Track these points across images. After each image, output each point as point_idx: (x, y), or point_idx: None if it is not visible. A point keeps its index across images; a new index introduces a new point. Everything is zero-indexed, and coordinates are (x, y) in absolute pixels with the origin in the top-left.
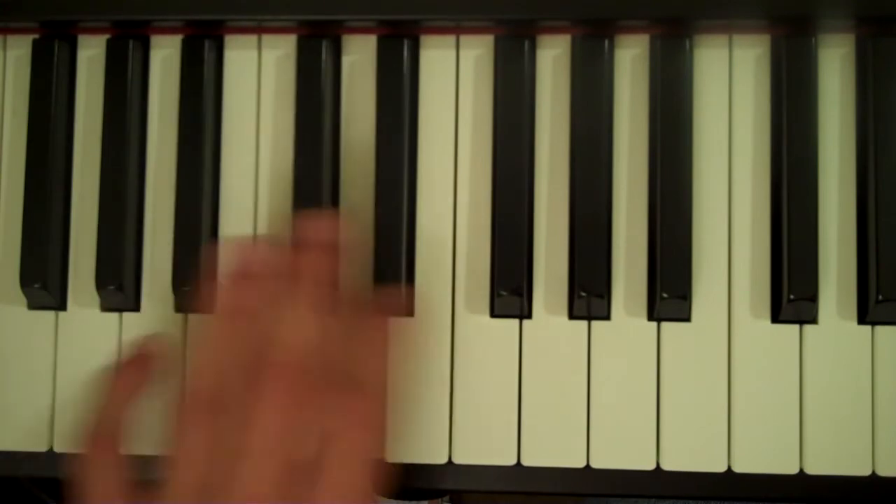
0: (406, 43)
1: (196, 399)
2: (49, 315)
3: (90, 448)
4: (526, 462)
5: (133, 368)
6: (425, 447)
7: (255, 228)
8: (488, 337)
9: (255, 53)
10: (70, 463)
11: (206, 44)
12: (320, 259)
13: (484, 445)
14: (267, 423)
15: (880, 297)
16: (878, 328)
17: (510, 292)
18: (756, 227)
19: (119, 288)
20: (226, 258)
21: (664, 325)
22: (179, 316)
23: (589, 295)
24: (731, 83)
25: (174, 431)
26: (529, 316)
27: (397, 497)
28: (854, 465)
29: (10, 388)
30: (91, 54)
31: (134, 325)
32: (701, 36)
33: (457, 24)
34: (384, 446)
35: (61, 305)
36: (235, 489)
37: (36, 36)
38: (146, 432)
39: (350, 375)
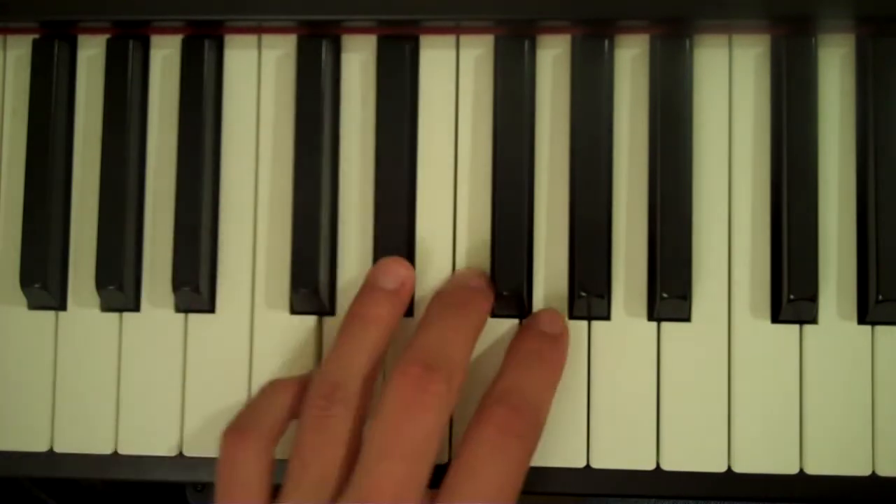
0: (406, 43)
1: (319, 388)
2: (49, 315)
3: (246, 442)
4: None
5: (289, 390)
6: None
7: (254, 229)
8: (489, 337)
9: (255, 53)
10: (222, 450)
11: (206, 44)
12: (483, 293)
13: None
14: (428, 422)
15: (880, 297)
16: (878, 328)
17: (510, 292)
18: (756, 227)
19: (119, 288)
20: (383, 269)
21: (664, 325)
22: (179, 316)
23: (589, 295)
24: (731, 83)
25: (299, 427)
26: None
27: None
28: (854, 465)
29: (10, 388)
30: (91, 54)
31: (134, 325)
32: (701, 36)
33: (457, 24)
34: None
35: (61, 305)
36: (366, 487)
37: (36, 36)
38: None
39: (514, 390)
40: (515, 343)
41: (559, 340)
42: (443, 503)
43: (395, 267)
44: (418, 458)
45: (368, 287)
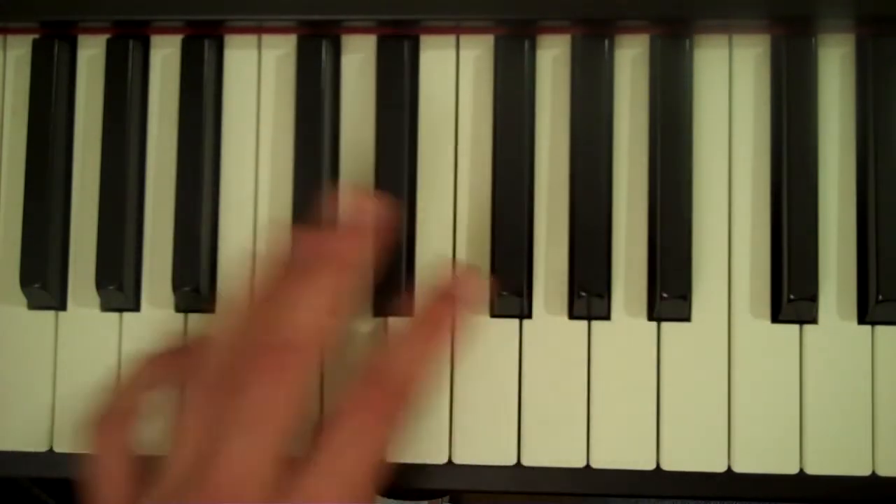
0: (406, 43)
1: (196, 379)
2: (49, 315)
3: (99, 431)
4: (526, 462)
5: (155, 362)
6: (425, 447)
7: (254, 228)
8: (488, 337)
9: (255, 53)
10: (81, 451)
11: (206, 44)
12: (348, 243)
13: (484, 445)
14: (258, 395)
15: (880, 297)
16: (878, 328)
17: (510, 292)
18: (756, 227)
19: (119, 288)
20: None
21: (664, 325)
22: (179, 316)
23: (589, 295)
24: (731, 83)
25: (177, 412)
26: (529, 316)
27: (397, 497)
28: (854, 465)
29: (10, 388)
30: (91, 54)
31: (134, 325)
32: (701, 36)
33: (457, 24)
34: (389, 446)
35: (61, 305)
36: (224, 464)
37: (36, 36)
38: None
39: (372, 366)
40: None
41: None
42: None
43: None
44: (261, 429)
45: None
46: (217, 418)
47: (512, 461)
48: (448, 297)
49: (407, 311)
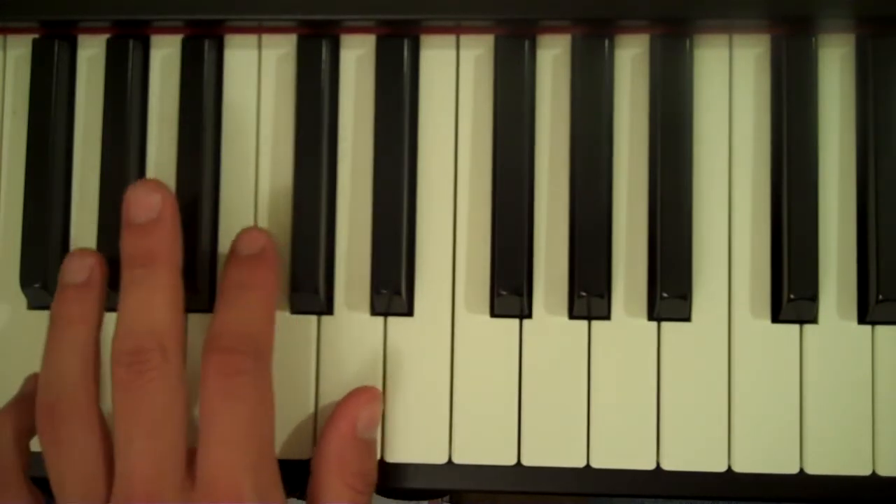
0: (406, 43)
1: (40, 413)
2: (49, 315)
3: None
4: (526, 462)
5: (24, 406)
6: (425, 447)
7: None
8: (488, 337)
9: (255, 53)
10: None
11: (206, 44)
12: (159, 240)
13: (484, 445)
14: (135, 407)
15: (880, 297)
16: (878, 328)
17: (510, 292)
18: (756, 227)
19: (119, 288)
20: (68, 264)
21: (664, 325)
22: None
23: (589, 295)
24: (731, 83)
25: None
26: (529, 316)
27: (397, 497)
28: (854, 465)
29: (11, 388)
30: (91, 54)
31: None
32: (701, 36)
33: (457, 24)
34: (272, 422)
35: None
36: (135, 467)
37: (36, 36)
38: None
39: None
40: (220, 282)
41: (260, 260)
42: (200, 469)
43: (79, 259)
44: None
45: (59, 287)
46: (76, 447)
47: (512, 461)
48: None
49: (407, 310)
